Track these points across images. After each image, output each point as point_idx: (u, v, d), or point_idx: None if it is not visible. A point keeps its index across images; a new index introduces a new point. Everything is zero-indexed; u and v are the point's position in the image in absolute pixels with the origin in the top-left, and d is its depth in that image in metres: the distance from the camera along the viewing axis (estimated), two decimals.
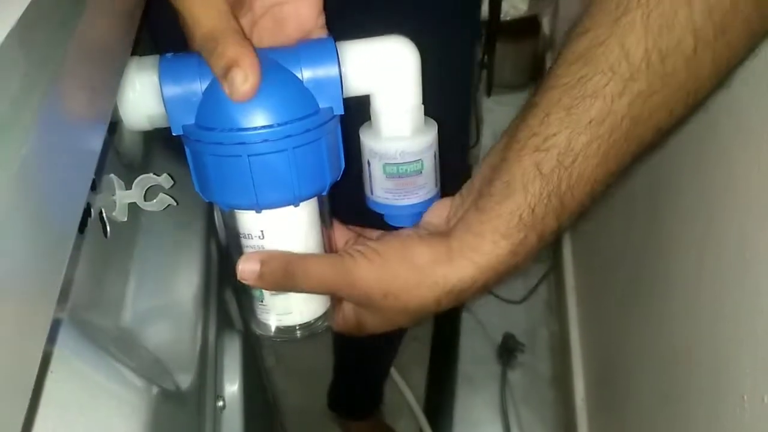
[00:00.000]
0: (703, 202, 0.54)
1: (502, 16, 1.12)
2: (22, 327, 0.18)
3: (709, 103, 0.53)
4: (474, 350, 1.16)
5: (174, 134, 0.33)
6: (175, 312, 0.41)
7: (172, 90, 0.32)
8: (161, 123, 0.35)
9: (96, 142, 0.27)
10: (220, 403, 0.45)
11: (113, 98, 0.31)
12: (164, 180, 0.37)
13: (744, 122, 0.46)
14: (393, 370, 1.11)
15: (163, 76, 0.32)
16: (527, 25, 1.63)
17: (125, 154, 0.41)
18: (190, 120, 0.33)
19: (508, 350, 1.13)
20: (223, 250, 0.54)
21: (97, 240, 0.34)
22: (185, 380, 0.38)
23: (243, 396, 0.48)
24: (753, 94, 0.45)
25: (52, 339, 0.27)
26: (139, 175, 0.37)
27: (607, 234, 0.92)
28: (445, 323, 1.21)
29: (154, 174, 0.37)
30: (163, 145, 0.48)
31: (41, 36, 0.22)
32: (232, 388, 0.47)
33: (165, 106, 0.32)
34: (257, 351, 0.69)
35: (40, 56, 0.21)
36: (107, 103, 0.29)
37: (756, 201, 0.43)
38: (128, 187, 0.36)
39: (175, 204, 0.38)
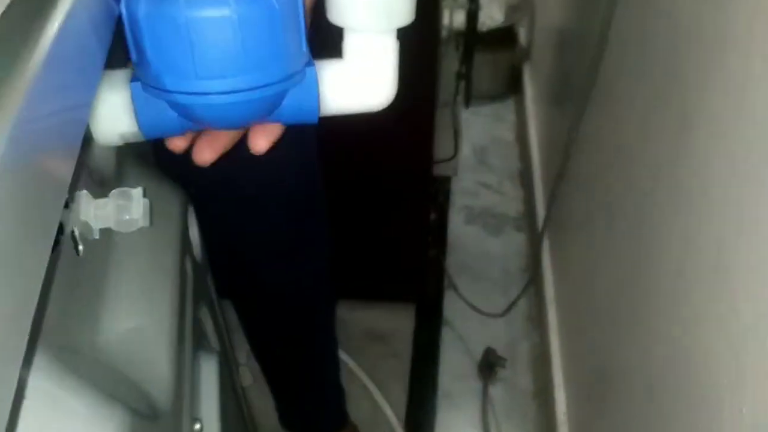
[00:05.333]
0: (681, 213, 0.55)
1: (478, 26, 1.14)
2: None
3: (687, 110, 0.54)
4: (455, 365, 1.16)
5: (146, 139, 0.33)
6: (151, 333, 0.40)
7: (144, 104, 0.32)
8: (133, 138, 0.34)
9: (69, 159, 0.26)
10: (197, 426, 0.44)
11: (87, 114, 0.31)
12: (138, 193, 0.36)
13: (720, 129, 0.47)
14: (372, 387, 1.10)
15: (135, 91, 0.32)
16: (504, 36, 1.65)
17: (97, 170, 0.40)
18: (164, 134, 0.33)
19: (489, 365, 1.12)
20: (198, 268, 0.53)
21: (69, 259, 0.33)
22: (162, 403, 0.37)
23: (220, 417, 0.47)
24: (729, 100, 0.45)
25: (26, 364, 0.26)
26: (110, 191, 0.36)
27: (587, 246, 0.93)
28: (425, 338, 1.20)
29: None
30: (136, 160, 0.47)
31: (13, 47, 0.22)
32: (210, 409, 0.46)
33: (137, 121, 0.32)
34: (234, 371, 0.68)
35: (9, 69, 0.21)
36: (81, 120, 0.29)
37: (732, 208, 0.44)
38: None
39: (147, 225, 0.37)
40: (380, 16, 0.33)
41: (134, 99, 0.32)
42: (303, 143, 0.65)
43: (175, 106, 0.32)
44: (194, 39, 0.28)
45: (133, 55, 0.31)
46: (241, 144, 0.36)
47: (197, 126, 0.34)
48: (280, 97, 0.33)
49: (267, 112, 0.33)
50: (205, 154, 0.35)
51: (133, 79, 0.32)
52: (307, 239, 0.73)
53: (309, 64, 0.33)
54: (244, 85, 0.30)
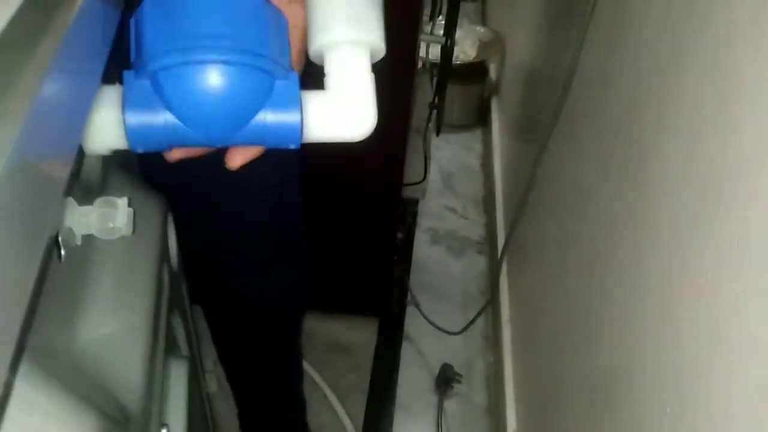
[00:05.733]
0: (631, 247, 0.59)
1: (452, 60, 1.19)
2: None
3: (642, 150, 0.58)
4: (413, 380, 1.19)
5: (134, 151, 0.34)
6: (126, 339, 0.40)
7: (134, 118, 0.33)
8: (120, 147, 0.35)
9: (64, 170, 0.27)
10: (164, 431, 0.45)
11: (83, 124, 0.32)
12: (123, 203, 0.37)
13: (673, 170, 0.50)
14: (333, 397, 1.11)
15: (127, 103, 0.33)
16: (475, 70, 1.72)
17: (83, 177, 0.41)
18: (151, 147, 0.34)
19: (445, 380, 1.15)
20: (174, 276, 0.54)
21: (51, 263, 0.34)
22: (133, 408, 0.37)
23: (186, 423, 0.47)
24: (682, 143, 0.49)
25: (13, 369, 0.27)
26: (96, 198, 0.37)
27: (542, 272, 0.97)
28: (386, 352, 1.23)
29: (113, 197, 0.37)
30: (120, 169, 0.48)
31: (15, 61, 0.22)
32: (177, 414, 0.47)
33: (126, 132, 0.33)
34: (201, 377, 0.68)
35: (12, 82, 0.22)
36: (77, 130, 0.30)
37: (679, 246, 0.47)
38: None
39: (130, 234, 0.38)
40: (351, 24, 0.36)
41: (125, 89, 0.33)
42: (284, 164, 0.67)
43: (162, 92, 0.33)
44: (190, 9, 0.32)
45: (133, 55, 0.34)
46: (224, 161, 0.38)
47: (181, 140, 0.35)
48: (263, 93, 0.34)
49: (249, 110, 0.34)
50: (177, 152, 0.37)
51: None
52: (283, 254, 0.75)
53: (293, 82, 0.35)
54: (235, 54, 0.32)
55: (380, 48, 0.37)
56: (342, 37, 0.36)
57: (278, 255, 0.74)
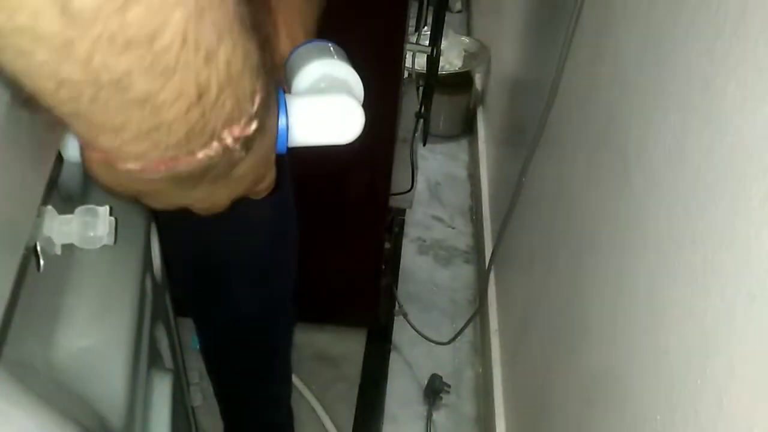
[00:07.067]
0: (617, 255, 0.59)
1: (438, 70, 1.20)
2: None
3: (627, 159, 0.58)
4: (401, 391, 1.18)
5: None
6: (107, 351, 0.40)
7: None
8: None
9: (42, 176, 0.26)
10: None
11: (62, 131, 0.31)
12: (104, 211, 0.37)
13: (656, 178, 0.51)
14: (320, 410, 1.10)
15: None
16: (461, 80, 1.73)
17: (63, 186, 0.40)
18: None
19: (434, 391, 1.15)
20: (157, 287, 0.53)
21: (29, 273, 0.33)
22: (114, 422, 0.37)
23: None
24: (665, 152, 0.49)
25: None
26: (75, 207, 0.36)
27: (530, 281, 0.98)
28: (374, 363, 1.22)
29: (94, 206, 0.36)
30: None
31: None
32: (160, 429, 0.46)
33: None
34: (186, 390, 0.67)
35: None
36: (55, 138, 0.29)
37: (665, 253, 0.48)
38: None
39: (112, 243, 0.37)
40: (328, 63, 0.38)
41: None
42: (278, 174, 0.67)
43: None
44: None
45: None
46: None
47: None
48: None
49: None
50: None
51: None
52: (276, 265, 0.74)
53: (279, 92, 0.35)
54: None
55: (358, 89, 0.39)
56: (322, 70, 0.38)
57: (271, 266, 0.73)
